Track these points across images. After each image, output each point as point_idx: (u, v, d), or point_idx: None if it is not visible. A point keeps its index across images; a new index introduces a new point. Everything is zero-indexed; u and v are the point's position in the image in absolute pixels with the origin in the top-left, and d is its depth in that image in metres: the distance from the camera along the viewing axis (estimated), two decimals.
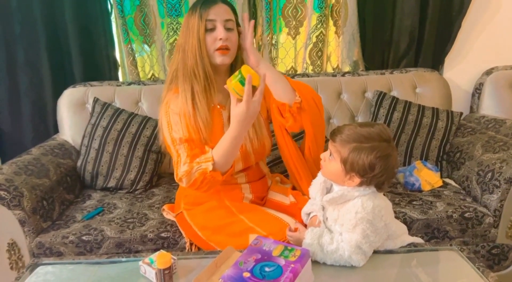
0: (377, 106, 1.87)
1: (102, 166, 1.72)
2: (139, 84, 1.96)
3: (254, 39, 2.03)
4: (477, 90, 2.07)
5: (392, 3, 2.00)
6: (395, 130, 1.81)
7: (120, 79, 2.11)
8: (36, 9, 1.89)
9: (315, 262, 0.96)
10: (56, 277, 0.99)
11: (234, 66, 1.24)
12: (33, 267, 1.03)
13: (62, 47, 1.97)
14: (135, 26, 2.00)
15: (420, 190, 1.63)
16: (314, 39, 2.04)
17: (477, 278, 0.93)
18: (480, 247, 1.48)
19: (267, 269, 0.83)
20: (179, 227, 1.39)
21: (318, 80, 1.94)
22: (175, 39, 2.02)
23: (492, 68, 2.06)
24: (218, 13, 1.15)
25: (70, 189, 1.68)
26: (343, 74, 1.99)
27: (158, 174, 1.84)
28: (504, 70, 2.03)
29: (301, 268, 0.84)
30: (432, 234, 1.47)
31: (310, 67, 2.11)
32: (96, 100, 1.86)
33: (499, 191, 1.44)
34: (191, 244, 1.36)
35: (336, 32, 2.08)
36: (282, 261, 0.85)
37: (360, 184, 0.96)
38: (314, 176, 1.14)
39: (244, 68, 1.03)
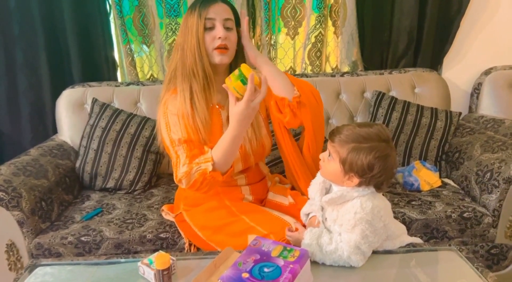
0: (376, 106, 1.87)
1: (101, 166, 1.72)
2: (138, 84, 1.96)
3: (253, 39, 2.03)
4: (476, 90, 2.08)
5: (390, 3, 2.00)
6: (394, 130, 1.81)
7: (119, 79, 2.11)
8: (34, 10, 1.88)
9: (314, 263, 0.95)
10: (54, 278, 0.99)
11: (233, 66, 1.24)
12: (31, 268, 1.03)
13: (61, 48, 1.97)
14: (133, 26, 2.00)
15: (419, 190, 1.63)
16: (313, 40, 2.05)
17: (476, 278, 0.92)
18: (479, 247, 1.49)
19: (266, 269, 0.83)
20: (178, 228, 1.39)
21: (317, 80, 1.94)
22: (174, 40, 2.02)
23: (491, 68, 2.06)
24: (218, 11, 1.15)
25: (69, 189, 1.67)
26: (342, 75, 1.99)
27: (157, 175, 1.84)
28: (502, 70, 2.03)
29: (300, 268, 0.84)
30: (431, 234, 1.47)
31: (309, 68, 2.11)
32: (94, 100, 1.85)
33: (498, 191, 1.45)
34: (190, 245, 1.36)
35: (335, 33, 2.08)
36: (281, 262, 0.85)
37: (359, 184, 0.96)
38: (313, 176, 1.14)
39: (243, 67, 1.02)
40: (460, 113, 1.85)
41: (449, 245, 1.06)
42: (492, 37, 2.12)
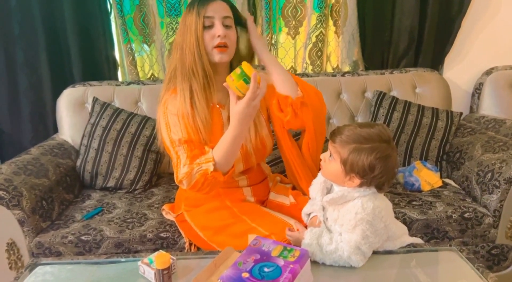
0: (377, 106, 1.87)
1: (102, 165, 1.72)
2: (138, 84, 1.96)
3: None
4: (477, 90, 2.07)
5: (391, 3, 1.99)
6: (395, 130, 1.80)
7: (120, 79, 2.11)
8: (35, 9, 1.88)
9: (314, 263, 0.95)
10: (55, 277, 0.99)
11: (233, 65, 1.23)
12: (32, 267, 1.03)
13: (62, 47, 1.97)
14: (134, 26, 2.00)
15: (419, 190, 1.63)
16: (313, 39, 2.04)
17: (476, 278, 0.92)
18: (479, 247, 1.48)
19: (266, 269, 0.83)
20: (179, 228, 1.38)
21: (318, 80, 1.94)
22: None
23: (492, 68, 2.06)
24: (216, 9, 1.14)
25: (69, 188, 1.67)
26: (343, 74, 1.99)
27: (157, 174, 1.84)
28: (504, 70, 2.03)
29: (300, 268, 0.84)
30: (432, 234, 1.47)
31: (310, 67, 2.11)
32: (95, 100, 1.85)
33: (499, 191, 1.44)
34: (190, 244, 1.35)
35: (335, 32, 2.08)
36: (281, 262, 0.85)
37: (360, 185, 0.96)
38: (313, 175, 1.13)
39: (244, 65, 1.01)
40: (461, 114, 1.85)
41: (450, 246, 1.06)
42: (493, 37, 2.11)
